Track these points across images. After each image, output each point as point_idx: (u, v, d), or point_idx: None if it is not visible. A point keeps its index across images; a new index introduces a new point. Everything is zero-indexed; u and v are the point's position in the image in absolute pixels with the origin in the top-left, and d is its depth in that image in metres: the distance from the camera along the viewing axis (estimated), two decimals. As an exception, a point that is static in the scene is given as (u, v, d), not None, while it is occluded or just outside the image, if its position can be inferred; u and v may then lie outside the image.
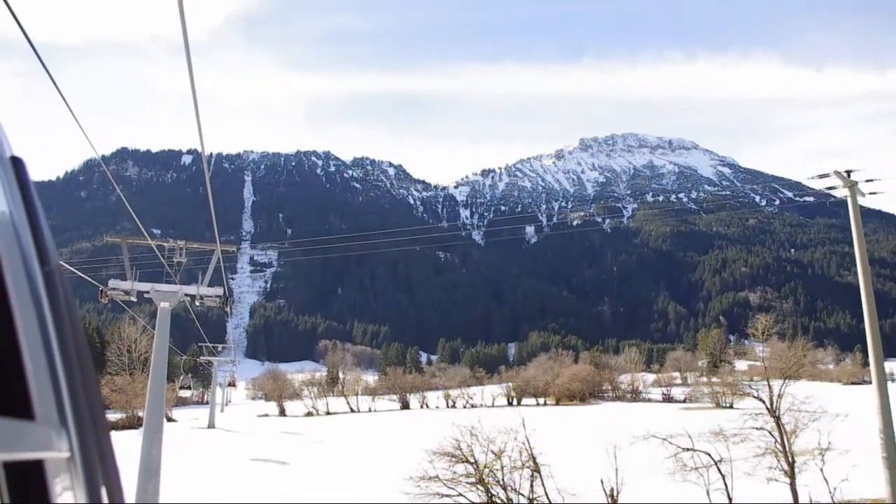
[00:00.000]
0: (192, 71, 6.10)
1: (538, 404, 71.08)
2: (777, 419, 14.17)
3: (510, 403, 71.82)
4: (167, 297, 14.65)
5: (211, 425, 49.24)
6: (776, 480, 14.06)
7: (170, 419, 59.31)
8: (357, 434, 41.44)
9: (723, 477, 13.59)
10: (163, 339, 14.44)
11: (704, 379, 76.82)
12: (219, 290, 15.39)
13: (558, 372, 74.94)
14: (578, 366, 79.23)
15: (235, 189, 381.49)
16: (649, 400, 72.78)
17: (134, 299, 15.19)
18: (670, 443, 14.13)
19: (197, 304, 15.57)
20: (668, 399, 70.71)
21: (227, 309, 15.51)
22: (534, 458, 12.59)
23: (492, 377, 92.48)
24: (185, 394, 42.46)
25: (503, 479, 12.26)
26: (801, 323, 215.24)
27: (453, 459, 12.59)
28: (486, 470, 12.29)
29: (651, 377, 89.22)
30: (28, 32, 5.85)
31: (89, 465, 0.96)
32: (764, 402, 14.63)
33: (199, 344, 65.87)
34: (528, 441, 12.76)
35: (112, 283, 14.87)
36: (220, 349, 58.75)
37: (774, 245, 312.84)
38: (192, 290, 15.05)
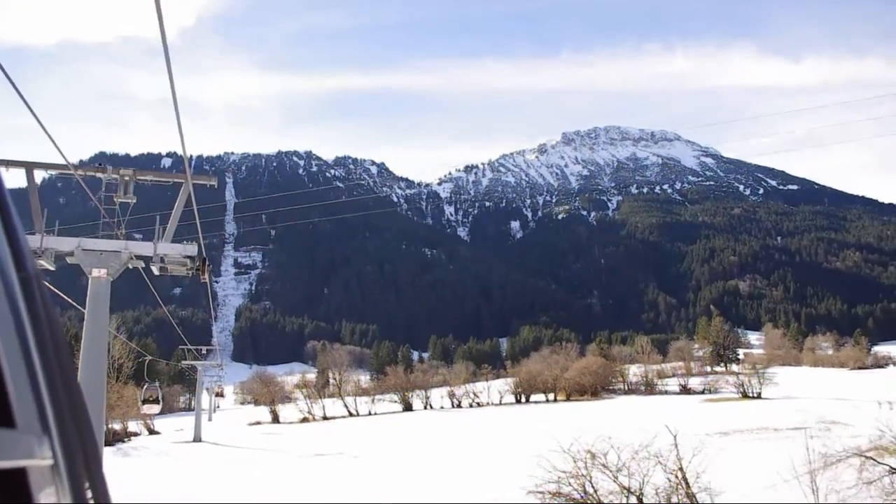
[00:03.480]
0: (171, 70, 5.77)
1: (548, 401, 66.81)
2: None
3: (518, 401, 67.54)
4: (103, 260, 8.97)
5: (197, 438, 44.24)
6: None
7: (152, 431, 54.33)
8: (373, 448, 35.27)
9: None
10: (98, 327, 8.64)
11: (723, 368, 72.85)
12: (190, 249, 9.68)
13: (565, 365, 70.65)
14: (588, 358, 74.94)
15: (217, 191, 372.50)
16: (665, 392, 68.53)
17: (50, 266, 9.26)
18: (876, 461, 9.68)
19: (155, 270, 9.78)
20: (685, 390, 66.49)
21: (205, 278, 9.93)
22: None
23: (487, 372, 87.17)
24: (152, 410, 32.12)
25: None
26: (792, 310, 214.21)
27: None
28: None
29: (655, 368, 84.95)
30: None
31: (74, 471, 0.94)
32: None
33: (182, 347, 60.83)
34: (682, 473, 8.22)
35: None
36: (204, 352, 53.58)
37: (761, 233, 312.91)
38: (144, 248, 9.48)
